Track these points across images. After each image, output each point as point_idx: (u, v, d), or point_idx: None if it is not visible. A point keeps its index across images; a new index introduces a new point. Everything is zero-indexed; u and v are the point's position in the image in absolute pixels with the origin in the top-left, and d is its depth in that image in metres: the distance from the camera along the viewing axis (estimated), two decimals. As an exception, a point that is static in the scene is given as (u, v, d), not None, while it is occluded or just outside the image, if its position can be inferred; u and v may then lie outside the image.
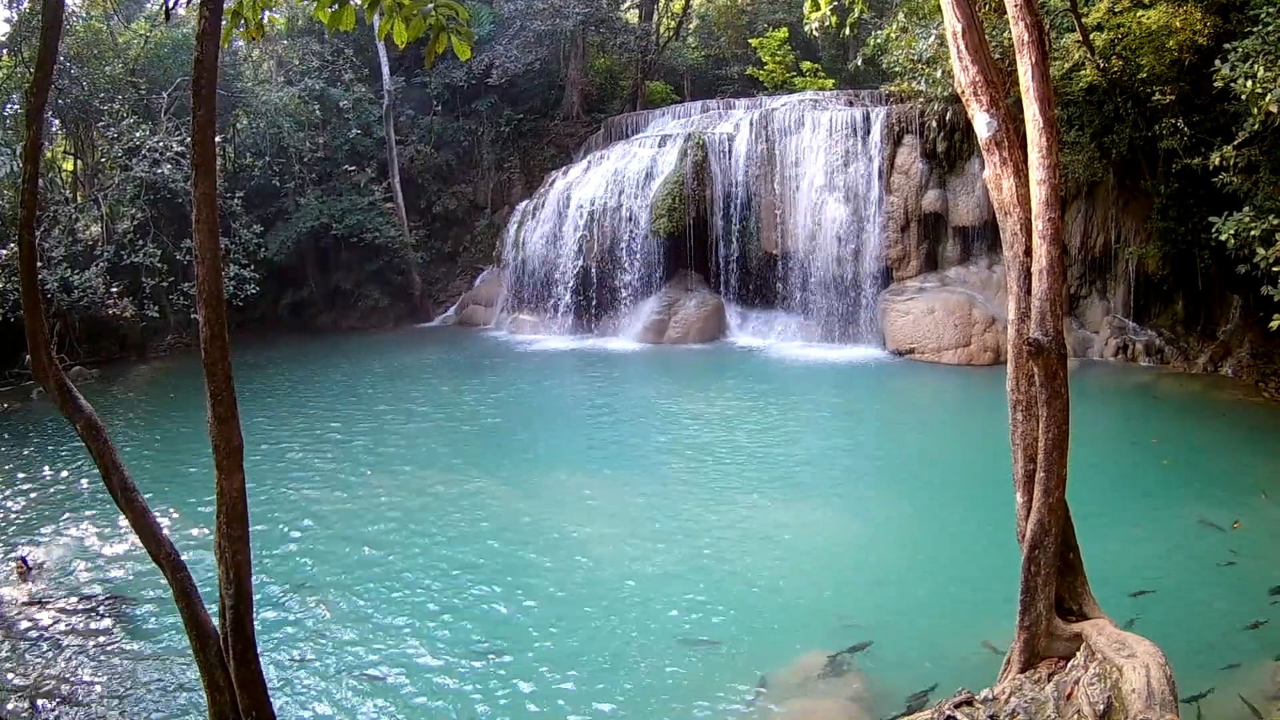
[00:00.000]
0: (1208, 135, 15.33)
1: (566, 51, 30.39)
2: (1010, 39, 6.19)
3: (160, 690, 7.33)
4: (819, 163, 22.96)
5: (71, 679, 7.54)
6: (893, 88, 22.30)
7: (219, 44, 4.97)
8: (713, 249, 24.29)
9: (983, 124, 6.08)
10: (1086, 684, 5.25)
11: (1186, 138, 15.89)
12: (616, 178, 24.56)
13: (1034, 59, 5.75)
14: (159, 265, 22.60)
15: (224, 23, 5.26)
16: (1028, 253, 5.83)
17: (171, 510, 11.23)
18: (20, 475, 13.33)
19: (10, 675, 7.61)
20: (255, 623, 5.23)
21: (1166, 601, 8.18)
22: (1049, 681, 5.53)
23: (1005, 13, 6.42)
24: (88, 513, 11.44)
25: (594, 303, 24.61)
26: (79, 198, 24.59)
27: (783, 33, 30.44)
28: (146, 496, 5.53)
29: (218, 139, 6.30)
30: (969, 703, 5.62)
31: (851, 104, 24.00)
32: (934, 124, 21.74)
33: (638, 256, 24.09)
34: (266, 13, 5.83)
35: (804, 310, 23.25)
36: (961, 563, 9.65)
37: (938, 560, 9.78)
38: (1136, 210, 19.47)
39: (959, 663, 7.19)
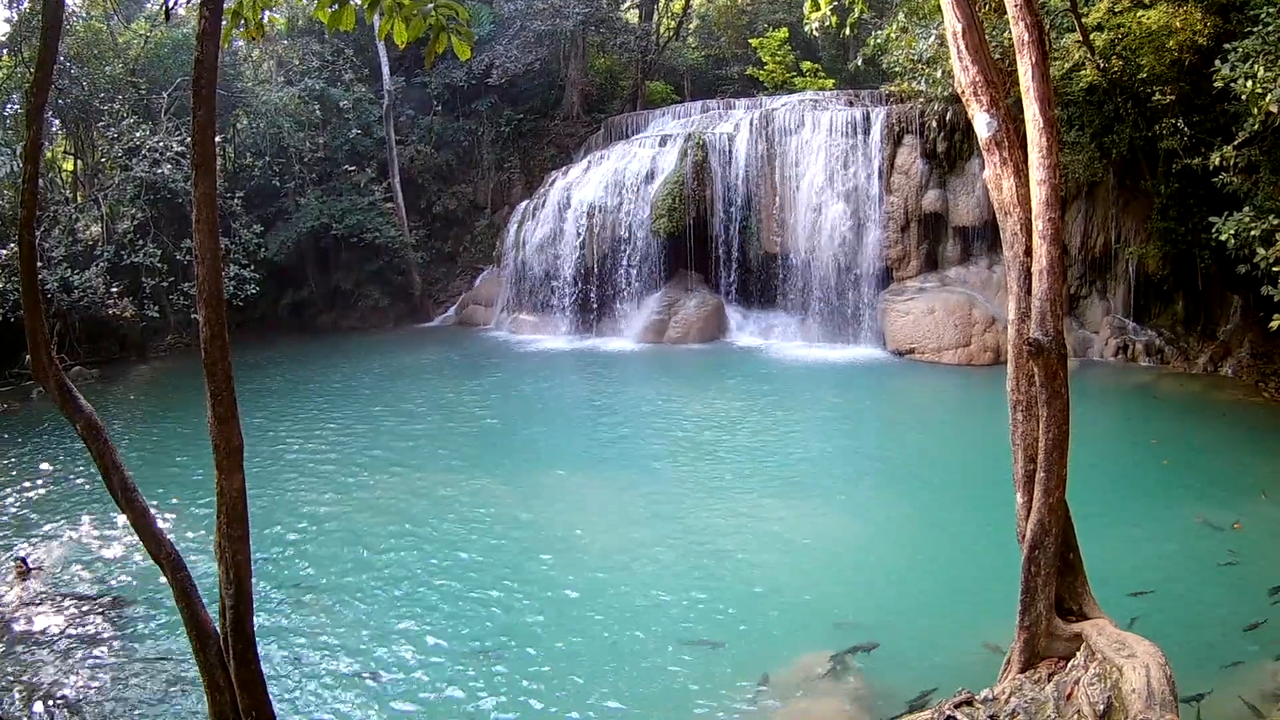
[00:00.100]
0: (1208, 135, 15.32)
1: (566, 51, 30.39)
2: (1010, 39, 6.19)
3: (160, 690, 7.33)
4: (819, 163, 22.96)
5: (71, 679, 7.54)
6: (893, 88, 22.30)
7: (219, 44, 4.97)
8: (713, 249, 24.28)
9: (983, 124, 6.08)
10: (1086, 684, 5.25)
11: (1186, 138, 15.89)
12: (616, 178, 24.56)
13: (1034, 59, 5.75)
14: (159, 265, 22.61)
15: (224, 23, 5.26)
16: (1028, 253, 5.83)
17: (171, 510, 11.23)
18: (20, 475, 13.33)
19: (10, 675, 7.61)
20: (255, 623, 5.23)
21: (1166, 601, 8.18)
22: (1049, 681, 5.53)
23: (1005, 13, 6.42)
24: (88, 513, 11.44)
25: (594, 303, 24.60)
26: (79, 198, 24.59)
27: (783, 33, 30.44)
28: (146, 497, 5.53)
29: (218, 139, 6.30)
30: (969, 703, 5.62)
31: (851, 104, 24.00)
32: (934, 124, 21.74)
33: (638, 256, 24.09)
34: (266, 13, 5.83)
35: (804, 310, 23.25)
36: (961, 563, 9.65)
37: (938, 560, 9.78)
38: (1136, 210, 19.47)
39: (959, 663, 7.18)
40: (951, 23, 6.16)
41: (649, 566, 9.55)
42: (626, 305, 24.29)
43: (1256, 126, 12.60)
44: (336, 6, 5.20)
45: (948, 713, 5.56)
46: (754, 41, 30.92)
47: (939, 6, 6.86)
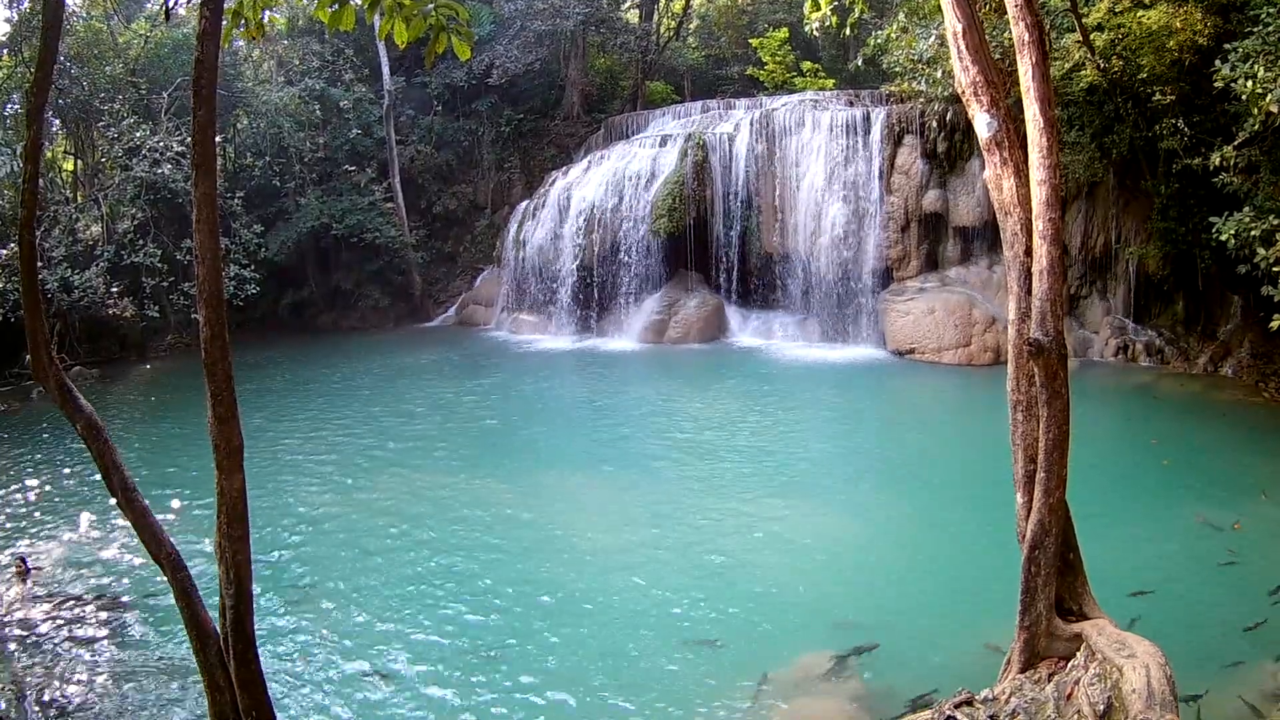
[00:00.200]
0: (1208, 135, 15.32)
1: (567, 51, 30.39)
2: (1010, 39, 6.19)
3: (160, 690, 7.33)
4: (819, 163, 22.95)
5: (71, 678, 7.54)
6: (893, 88, 22.29)
7: (219, 44, 4.97)
8: (713, 249, 24.27)
9: (983, 124, 6.08)
10: (1086, 684, 5.25)
11: (1187, 138, 15.89)
12: (616, 178, 24.55)
13: (1034, 59, 5.75)
14: (159, 265, 22.61)
15: (224, 23, 5.25)
16: (1028, 253, 5.83)
17: (171, 510, 11.23)
18: (20, 475, 13.34)
19: (9, 675, 7.61)
20: (255, 623, 5.23)
21: (1166, 601, 8.18)
22: (1049, 682, 5.53)
23: (1005, 13, 6.42)
24: (87, 513, 11.43)
25: (594, 303, 24.59)
26: (79, 198, 24.60)
27: (783, 33, 30.43)
28: (146, 497, 5.53)
29: (218, 139, 6.30)
30: (969, 703, 5.62)
31: (852, 104, 23.99)
32: (934, 124, 21.73)
33: (638, 256, 24.08)
34: (266, 13, 5.83)
35: (804, 310, 23.24)
36: (961, 563, 9.65)
37: (938, 560, 9.78)
38: (1137, 210, 19.47)
39: (959, 663, 7.19)
40: (952, 23, 6.16)
41: (649, 566, 9.55)
42: (626, 305, 24.28)
43: (1257, 126, 12.60)
44: (336, 6, 5.19)
45: (948, 713, 5.56)
46: (754, 41, 30.92)
47: (939, 6, 6.86)
